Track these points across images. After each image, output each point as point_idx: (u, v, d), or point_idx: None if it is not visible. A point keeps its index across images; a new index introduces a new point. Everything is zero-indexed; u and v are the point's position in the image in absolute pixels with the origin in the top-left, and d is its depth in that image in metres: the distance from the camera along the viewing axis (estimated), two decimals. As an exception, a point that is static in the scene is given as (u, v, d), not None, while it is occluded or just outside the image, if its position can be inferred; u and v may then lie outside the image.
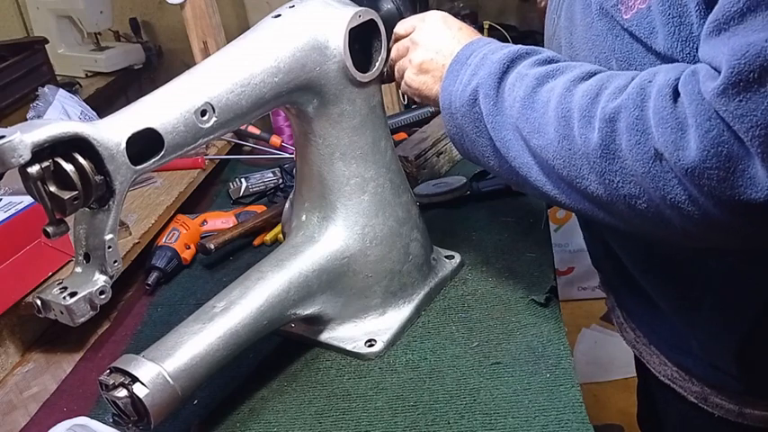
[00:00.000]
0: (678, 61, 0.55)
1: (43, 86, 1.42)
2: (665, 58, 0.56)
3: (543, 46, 0.75)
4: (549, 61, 0.65)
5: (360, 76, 0.80)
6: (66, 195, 0.60)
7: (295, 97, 0.79)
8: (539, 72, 0.63)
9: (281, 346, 0.89)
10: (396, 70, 0.82)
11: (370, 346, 0.85)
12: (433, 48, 0.76)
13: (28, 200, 0.96)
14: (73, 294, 0.64)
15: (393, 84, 0.87)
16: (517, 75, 0.65)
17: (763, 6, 0.45)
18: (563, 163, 0.59)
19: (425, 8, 0.86)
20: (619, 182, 0.55)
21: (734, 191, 0.48)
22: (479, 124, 0.67)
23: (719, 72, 0.47)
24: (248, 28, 0.79)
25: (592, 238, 0.88)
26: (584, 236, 0.90)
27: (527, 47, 0.68)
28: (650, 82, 0.53)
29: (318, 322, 0.88)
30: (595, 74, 0.59)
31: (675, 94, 0.51)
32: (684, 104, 0.49)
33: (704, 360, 0.72)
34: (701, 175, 0.49)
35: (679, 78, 0.51)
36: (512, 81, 0.65)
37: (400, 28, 0.81)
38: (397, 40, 0.82)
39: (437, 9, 0.84)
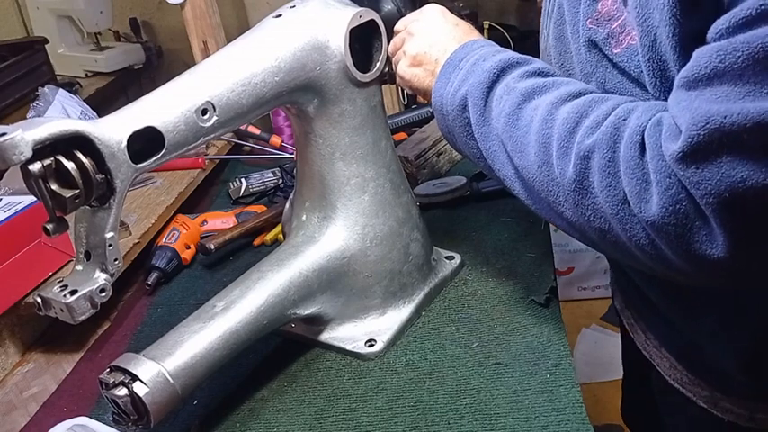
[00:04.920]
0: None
1: (43, 86, 1.42)
2: (654, 96, 0.57)
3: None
4: (538, 74, 0.65)
5: (360, 76, 0.80)
6: (68, 194, 0.60)
7: (295, 97, 0.79)
8: (525, 87, 0.63)
9: (281, 346, 0.89)
10: (393, 63, 0.82)
11: (370, 346, 0.85)
12: (428, 40, 0.76)
13: (28, 200, 0.96)
14: (73, 292, 0.64)
15: (393, 84, 0.87)
16: (505, 87, 0.65)
17: (728, 76, 0.45)
18: (542, 186, 0.60)
19: (425, 8, 0.86)
20: (591, 216, 0.56)
21: (691, 246, 0.49)
22: (468, 129, 0.69)
23: (681, 130, 0.47)
24: (248, 28, 0.79)
25: None
26: None
27: (518, 56, 0.69)
28: (625, 120, 0.54)
29: (318, 322, 0.88)
30: (580, 94, 0.60)
31: (643, 145, 0.52)
32: (648, 159, 0.51)
33: (714, 365, 0.71)
34: (661, 229, 0.50)
35: (646, 128, 0.52)
36: (499, 93, 0.65)
37: (400, 24, 0.82)
38: (395, 33, 0.83)
39: (437, 5, 0.84)
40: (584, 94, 0.60)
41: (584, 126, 0.57)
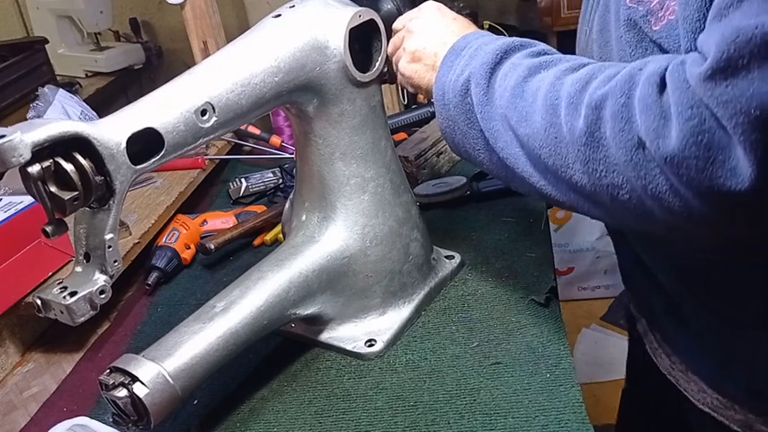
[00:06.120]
0: None
1: (43, 86, 1.42)
2: None
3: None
4: (544, 53, 0.65)
5: (360, 76, 0.80)
6: (67, 196, 0.60)
7: (295, 97, 0.79)
8: (531, 63, 0.63)
9: (281, 346, 0.89)
10: (393, 62, 0.82)
11: (370, 346, 0.85)
12: (426, 36, 0.76)
13: (28, 200, 0.96)
14: (73, 294, 0.64)
15: (393, 84, 0.87)
16: (510, 65, 0.65)
17: None
18: (549, 152, 0.58)
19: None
20: (602, 171, 0.54)
21: (713, 181, 0.47)
22: (470, 115, 0.67)
23: (708, 57, 0.46)
24: (248, 28, 0.79)
25: (623, 257, 0.85)
26: (617, 255, 0.87)
27: (522, 39, 0.68)
28: (640, 70, 0.53)
29: (318, 322, 0.88)
30: (587, 65, 0.59)
31: (663, 83, 0.50)
32: (669, 93, 0.49)
33: (748, 386, 0.70)
34: (681, 165, 0.48)
35: (667, 69, 0.51)
36: (504, 71, 0.65)
37: (398, 23, 0.82)
38: (393, 32, 0.83)
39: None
40: (593, 65, 0.59)
41: (596, 81, 0.56)
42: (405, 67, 0.78)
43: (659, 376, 0.81)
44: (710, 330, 0.71)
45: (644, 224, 0.56)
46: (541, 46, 0.67)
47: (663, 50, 0.58)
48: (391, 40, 0.83)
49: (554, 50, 0.66)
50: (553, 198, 0.62)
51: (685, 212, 0.51)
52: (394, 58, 0.82)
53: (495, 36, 0.71)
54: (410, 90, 0.81)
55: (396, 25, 0.82)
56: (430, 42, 0.76)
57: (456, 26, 0.77)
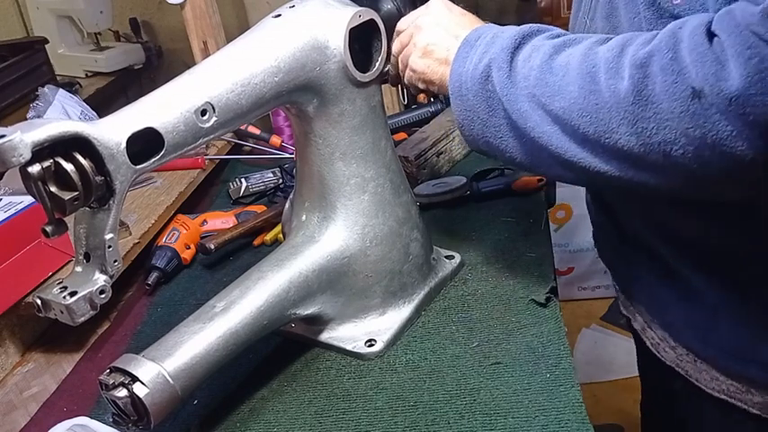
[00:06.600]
0: None
1: (43, 86, 1.42)
2: None
3: None
4: (563, 35, 0.66)
5: (360, 76, 0.80)
6: (67, 196, 0.60)
7: (295, 97, 0.79)
8: (554, 42, 0.63)
9: (281, 346, 0.89)
10: (399, 61, 0.81)
11: (370, 346, 0.85)
12: (437, 31, 0.76)
13: (28, 200, 0.96)
14: (73, 294, 0.64)
15: (395, 85, 0.86)
16: (532, 47, 0.65)
17: None
18: (590, 120, 0.58)
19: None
20: (653, 128, 0.54)
21: None
22: (492, 102, 0.67)
23: (760, 3, 0.47)
24: (248, 28, 0.79)
25: (610, 235, 0.85)
26: (599, 235, 0.88)
27: (537, 24, 0.68)
28: (681, 28, 0.53)
29: (318, 322, 0.88)
30: (614, 37, 0.59)
31: (710, 34, 0.51)
32: (721, 39, 0.49)
33: (765, 366, 0.69)
34: (746, 103, 0.48)
35: (711, 21, 0.51)
36: (526, 53, 0.65)
37: (403, 23, 0.82)
38: (396, 33, 0.82)
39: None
40: (622, 35, 0.59)
41: (633, 44, 0.56)
42: (416, 62, 0.77)
43: (670, 375, 0.80)
44: (724, 305, 0.70)
45: (695, 184, 0.56)
46: (559, 30, 0.67)
47: None
48: (398, 39, 0.82)
49: (571, 34, 0.66)
50: (593, 170, 0.60)
51: (748, 155, 0.51)
52: (401, 56, 0.81)
53: (507, 26, 0.71)
54: (420, 86, 0.79)
55: (401, 25, 0.82)
56: (441, 36, 0.75)
57: (466, 21, 0.77)
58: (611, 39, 0.59)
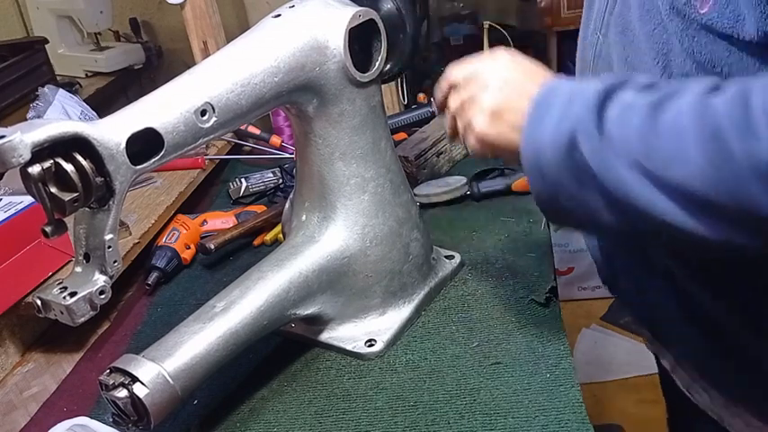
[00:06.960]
0: None
1: (43, 86, 1.42)
2: (756, 45, 0.52)
3: (558, 61, 0.72)
4: (650, 85, 0.56)
5: (360, 76, 0.80)
6: (67, 196, 0.60)
7: (295, 97, 0.79)
8: (647, 98, 0.54)
9: (281, 346, 0.89)
10: (458, 118, 0.70)
11: (370, 346, 0.85)
12: (508, 88, 0.65)
13: (28, 200, 0.96)
14: (73, 294, 0.64)
15: (393, 84, 0.86)
16: (621, 105, 0.55)
17: None
18: (717, 190, 0.49)
19: (425, 8, 0.85)
20: None
21: None
22: (581, 174, 0.56)
23: None
24: (248, 28, 0.79)
25: (651, 281, 0.78)
26: (640, 285, 0.82)
27: (613, 74, 0.62)
28: None
29: (318, 322, 0.88)
30: (719, 85, 0.51)
31: None
32: None
33: None
34: None
35: None
36: (616, 112, 0.55)
37: (456, 72, 0.71)
38: (451, 85, 0.71)
39: (437, 9, 0.83)
40: (730, 81, 0.51)
41: (754, 92, 0.48)
42: (486, 129, 0.65)
43: (703, 420, 0.77)
44: (755, 350, 0.67)
45: None
46: (640, 78, 0.58)
47: (714, 33, 0.54)
48: (456, 94, 0.70)
49: (653, 79, 0.58)
50: (713, 239, 0.53)
51: None
52: (462, 115, 0.69)
53: (578, 80, 0.62)
54: (487, 154, 0.68)
55: (456, 75, 0.71)
56: (514, 97, 0.64)
57: (537, 75, 0.65)
58: (716, 85, 0.52)
